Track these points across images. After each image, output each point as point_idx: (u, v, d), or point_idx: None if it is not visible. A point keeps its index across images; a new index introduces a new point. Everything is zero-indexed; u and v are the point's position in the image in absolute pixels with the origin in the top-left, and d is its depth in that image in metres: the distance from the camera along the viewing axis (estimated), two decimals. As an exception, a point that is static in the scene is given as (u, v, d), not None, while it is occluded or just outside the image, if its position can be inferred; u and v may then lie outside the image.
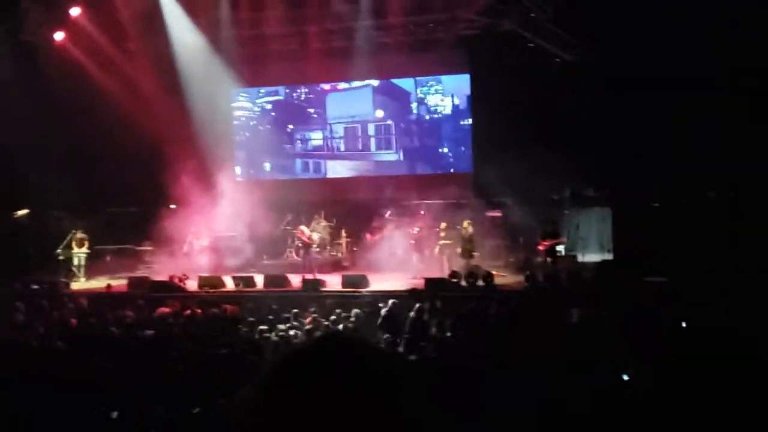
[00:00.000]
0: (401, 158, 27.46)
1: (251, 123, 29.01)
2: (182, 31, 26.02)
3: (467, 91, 26.47)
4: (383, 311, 15.27)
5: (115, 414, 8.08)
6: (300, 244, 22.93)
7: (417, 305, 15.07)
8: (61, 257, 23.22)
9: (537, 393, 8.65)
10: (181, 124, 24.84)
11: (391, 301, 15.81)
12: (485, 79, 24.44)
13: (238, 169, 28.81)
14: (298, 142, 28.62)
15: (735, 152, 20.21)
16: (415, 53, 25.90)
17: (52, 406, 7.70)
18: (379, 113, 27.50)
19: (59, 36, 25.37)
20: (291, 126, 28.58)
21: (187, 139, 24.48)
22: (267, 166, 28.79)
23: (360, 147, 28.00)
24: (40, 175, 23.69)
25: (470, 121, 26.34)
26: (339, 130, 28.21)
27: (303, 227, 23.06)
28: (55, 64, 24.51)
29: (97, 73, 25.62)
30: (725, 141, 20.28)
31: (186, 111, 25.52)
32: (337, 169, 28.08)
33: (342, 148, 28.21)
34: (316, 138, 28.53)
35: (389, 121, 27.53)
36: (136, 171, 24.23)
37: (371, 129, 27.87)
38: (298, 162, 28.63)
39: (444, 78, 26.95)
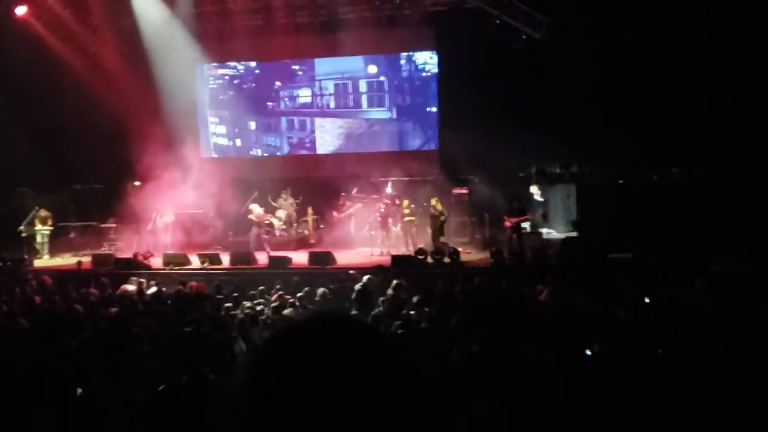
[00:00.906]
0: (394, 116, 26.99)
1: (231, 84, 28.61)
2: (146, 5, 25.67)
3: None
4: (357, 286, 15.27)
5: (79, 391, 8.04)
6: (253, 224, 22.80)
7: (394, 282, 15.10)
8: (24, 234, 23.01)
9: (503, 369, 8.71)
10: (145, 100, 24.56)
11: (366, 277, 15.82)
12: (452, 57, 24.41)
13: (213, 140, 28.65)
14: (285, 99, 28.08)
15: (701, 130, 20.39)
16: (381, 30, 25.75)
17: (16, 384, 7.65)
18: (372, 69, 27.04)
19: (21, 10, 24.93)
20: (278, 83, 28.08)
21: (152, 115, 24.22)
22: (238, 141, 28.44)
23: (351, 104, 27.48)
24: (2, 151, 23.42)
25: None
26: (329, 86, 27.60)
27: (253, 206, 22.96)
28: (18, 39, 24.10)
29: (60, 47, 25.26)
30: (692, 119, 20.46)
31: (150, 87, 25.22)
32: (326, 127, 27.50)
33: (332, 105, 27.62)
34: (304, 95, 27.92)
35: (382, 77, 27.08)
36: (101, 147, 24.00)
37: (363, 85, 27.30)
38: (283, 120, 28.09)
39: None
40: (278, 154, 28.13)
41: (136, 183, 24.47)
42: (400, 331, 11.22)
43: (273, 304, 14.33)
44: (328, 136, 27.60)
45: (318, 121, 27.73)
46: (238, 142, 28.55)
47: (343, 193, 23.98)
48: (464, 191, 23.70)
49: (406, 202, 21.99)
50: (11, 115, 23.79)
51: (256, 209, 22.88)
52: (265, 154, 28.08)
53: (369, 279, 15.69)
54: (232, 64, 28.04)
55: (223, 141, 28.75)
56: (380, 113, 27.13)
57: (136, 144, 22.92)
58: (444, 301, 14.15)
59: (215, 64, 27.92)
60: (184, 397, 7.43)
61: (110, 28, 25.70)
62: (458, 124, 23.33)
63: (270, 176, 25.96)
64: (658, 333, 10.13)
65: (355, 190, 23.82)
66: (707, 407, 6.87)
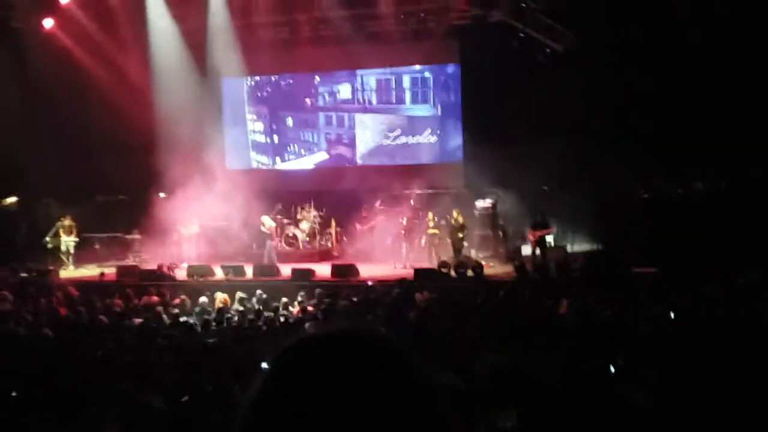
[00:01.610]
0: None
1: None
2: (164, 18, 25.94)
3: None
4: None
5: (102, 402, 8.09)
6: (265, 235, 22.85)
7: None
8: (49, 245, 23.17)
9: (526, 383, 8.68)
10: (170, 112, 24.70)
11: (396, 291, 15.84)
12: (476, 70, 24.40)
13: (251, 137, 28.70)
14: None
15: (726, 143, 20.29)
16: (406, 43, 25.79)
17: (41, 394, 7.72)
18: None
19: (48, 23, 25.23)
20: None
21: (177, 127, 24.35)
22: (275, 138, 28.39)
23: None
24: (28, 162, 23.64)
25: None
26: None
27: (264, 217, 23.02)
28: (45, 52, 24.37)
29: (86, 60, 25.48)
30: (716, 132, 20.35)
31: (176, 99, 25.33)
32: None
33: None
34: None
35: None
36: (126, 158, 24.17)
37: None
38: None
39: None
40: (315, 151, 27.94)
41: (161, 194, 24.60)
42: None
43: (295, 316, 14.39)
44: (369, 132, 27.42)
45: (358, 117, 27.55)
46: (276, 138, 28.34)
47: (365, 206, 23.99)
48: (488, 204, 23.65)
49: (430, 215, 21.99)
50: (37, 126, 24.03)
51: (267, 221, 22.94)
52: (292, 167, 28.03)
53: (398, 293, 15.69)
54: (258, 78, 28.14)
55: (261, 138, 28.59)
56: (422, 110, 26.99)
57: (161, 155, 23.10)
58: (466, 314, 14.14)
59: (242, 77, 28.03)
60: (208, 408, 7.46)
61: (136, 41, 25.87)
62: (482, 136, 23.34)
63: (294, 188, 26.05)
64: (683, 347, 10.08)
65: (378, 203, 23.83)
66: (731, 420, 6.83)
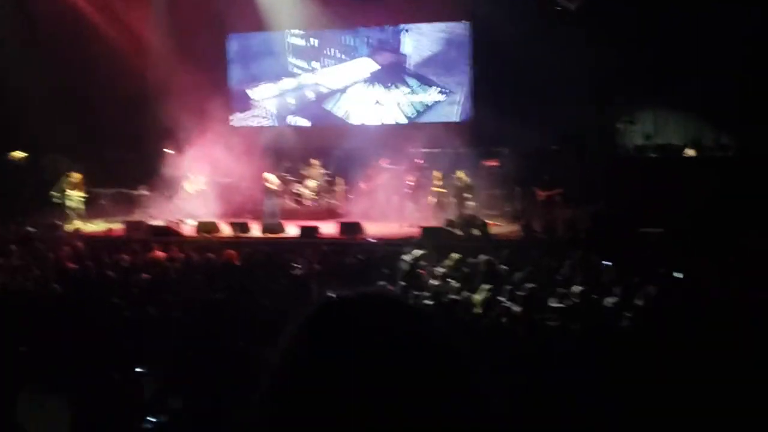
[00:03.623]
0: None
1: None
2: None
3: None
4: (406, 259, 15.29)
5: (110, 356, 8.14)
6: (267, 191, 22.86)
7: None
8: (56, 200, 23.17)
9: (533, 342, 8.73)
10: (178, 68, 24.57)
11: (419, 252, 15.77)
12: (485, 28, 24.21)
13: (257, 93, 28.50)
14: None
15: (738, 105, 20.21)
16: (414, 1, 25.62)
17: (49, 348, 7.76)
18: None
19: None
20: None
21: (185, 83, 24.23)
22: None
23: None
24: (36, 117, 23.61)
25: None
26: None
27: (267, 174, 22.99)
28: (50, 7, 24.22)
29: (94, 15, 25.32)
30: (728, 93, 20.25)
31: (184, 55, 25.19)
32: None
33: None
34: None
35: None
36: (133, 114, 24.16)
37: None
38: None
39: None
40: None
41: (169, 150, 24.58)
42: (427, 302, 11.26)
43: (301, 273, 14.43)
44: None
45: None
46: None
47: (372, 164, 23.92)
48: (495, 163, 23.58)
49: (437, 174, 21.91)
50: (44, 83, 23.96)
51: (272, 179, 22.93)
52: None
53: (422, 254, 15.64)
54: (264, 33, 27.90)
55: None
56: (431, 69, 27.01)
57: (169, 112, 22.99)
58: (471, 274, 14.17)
59: (247, 33, 27.84)
60: (216, 363, 7.51)
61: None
62: (490, 95, 23.24)
63: (300, 146, 25.98)
64: (687, 308, 10.10)
65: (385, 161, 23.75)
66: (735, 381, 6.85)
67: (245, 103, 28.53)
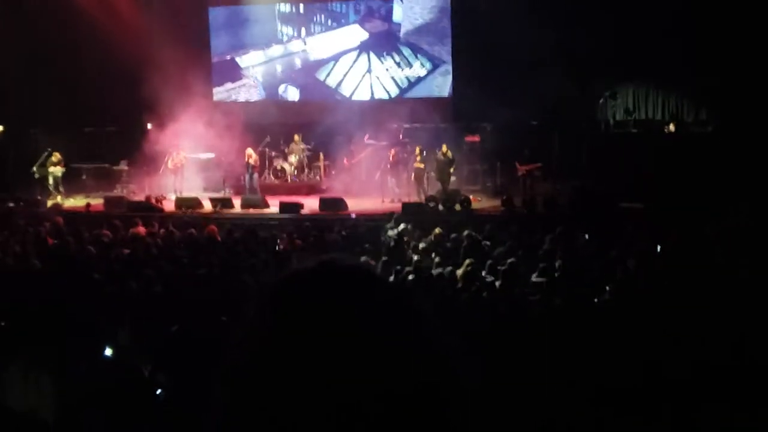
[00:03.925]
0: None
1: None
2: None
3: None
4: (391, 233, 15.37)
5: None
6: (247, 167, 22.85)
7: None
8: (36, 175, 23.05)
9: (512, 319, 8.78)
10: (159, 43, 24.38)
11: (402, 227, 15.86)
12: (466, 3, 24.14)
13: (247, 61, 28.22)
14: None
15: (719, 81, 20.31)
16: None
17: (29, 324, 7.73)
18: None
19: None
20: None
21: (166, 58, 24.06)
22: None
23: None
24: (16, 92, 23.44)
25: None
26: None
27: (249, 150, 22.97)
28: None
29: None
30: (709, 69, 20.35)
31: (164, 30, 25.00)
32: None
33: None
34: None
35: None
36: (114, 89, 24.06)
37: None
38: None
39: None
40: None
41: (149, 125, 24.47)
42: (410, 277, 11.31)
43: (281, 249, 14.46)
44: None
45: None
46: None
47: (354, 140, 23.87)
48: (476, 139, 23.61)
49: (418, 149, 21.90)
50: (25, 58, 23.79)
51: (253, 154, 22.92)
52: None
53: (404, 229, 15.72)
54: (244, 7, 27.65)
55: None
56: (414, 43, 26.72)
57: (149, 87, 22.84)
58: (453, 249, 14.23)
59: (229, 6, 27.62)
60: (196, 339, 7.51)
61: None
62: (472, 70, 23.24)
63: (282, 121, 25.88)
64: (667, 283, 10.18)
65: (366, 137, 23.71)
66: (714, 353, 6.93)
67: (235, 73, 28.20)
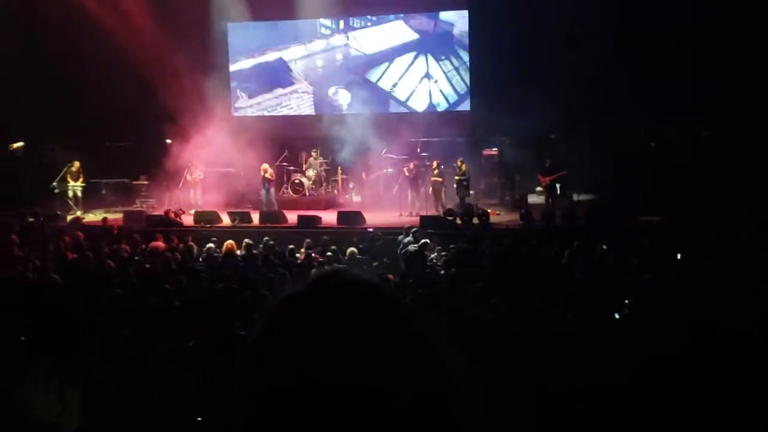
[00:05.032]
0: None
1: None
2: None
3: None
4: (410, 248, 15.38)
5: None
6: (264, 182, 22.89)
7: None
8: (56, 190, 23.21)
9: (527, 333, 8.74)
10: (178, 58, 24.49)
11: (423, 241, 15.87)
12: (484, 15, 24.18)
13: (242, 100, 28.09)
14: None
15: (732, 90, 20.23)
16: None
17: (51, 338, 7.80)
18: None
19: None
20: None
21: (185, 74, 24.19)
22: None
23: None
24: (35, 107, 23.62)
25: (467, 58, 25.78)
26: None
27: (265, 165, 23.05)
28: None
29: (91, 5, 25.20)
30: (725, 79, 20.27)
31: (183, 45, 25.10)
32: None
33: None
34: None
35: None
36: (133, 104, 24.15)
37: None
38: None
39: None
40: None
41: (168, 140, 24.60)
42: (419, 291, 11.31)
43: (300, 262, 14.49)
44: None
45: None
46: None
47: (372, 154, 23.89)
48: (494, 152, 23.61)
49: (435, 163, 21.90)
50: (44, 74, 23.98)
51: (269, 168, 23.00)
52: (293, 112, 27.66)
53: (424, 243, 15.73)
54: (263, 23, 27.71)
55: None
56: (431, 58, 26.33)
57: (168, 102, 22.99)
58: (469, 262, 14.23)
59: (246, 22, 27.64)
60: (214, 353, 7.55)
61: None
62: (489, 84, 23.26)
63: (300, 135, 25.93)
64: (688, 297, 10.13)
65: (384, 151, 23.74)
66: (734, 368, 6.89)
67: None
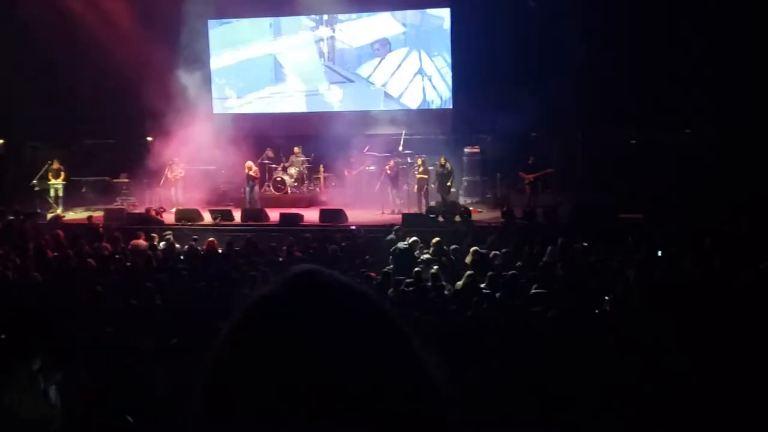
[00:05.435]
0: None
1: None
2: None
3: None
4: (400, 244, 15.38)
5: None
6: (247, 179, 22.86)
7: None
8: (37, 188, 23.07)
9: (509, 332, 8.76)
10: (158, 55, 24.39)
11: (412, 239, 15.85)
12: (466, 13, 24.20)
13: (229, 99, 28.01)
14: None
15: (714, 90, 20.33)
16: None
17: (29, 336, 7.75)
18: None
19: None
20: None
21: (165, 70, 24.10)
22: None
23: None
24: (15, 105, 23.46)
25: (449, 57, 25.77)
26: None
27: (249, 162, 23.02)
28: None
29: (73, 3, 25.06)
30: (707, 78, 20.38)
31: (163, 42, 24.98)
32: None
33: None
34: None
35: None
36: (113, 102, 24.06)
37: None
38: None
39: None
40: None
41: (149, 138, 24.50)
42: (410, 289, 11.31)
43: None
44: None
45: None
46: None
47: (354, 151, 23.85)
48: (476, 150, 23.61)
49: (419, 160, 21.89)
50: (24, 70, 23.83)
51: (253, 165, 22.96)
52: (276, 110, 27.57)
53: (414, 241, 15.72)
54: (245, 20, 27.59)
55: None
56: (412, 56, 26.19)
57: (149, 99, 22.87)
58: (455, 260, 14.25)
59: (226, 20, 27.53)
60: (195, 351, 7.52)
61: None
62: (471, 81, 23.29)
63: (282, 133, 25.84)
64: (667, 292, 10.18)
65: (366, 148, 23.69)
66: (715, 359, 6.93)
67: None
